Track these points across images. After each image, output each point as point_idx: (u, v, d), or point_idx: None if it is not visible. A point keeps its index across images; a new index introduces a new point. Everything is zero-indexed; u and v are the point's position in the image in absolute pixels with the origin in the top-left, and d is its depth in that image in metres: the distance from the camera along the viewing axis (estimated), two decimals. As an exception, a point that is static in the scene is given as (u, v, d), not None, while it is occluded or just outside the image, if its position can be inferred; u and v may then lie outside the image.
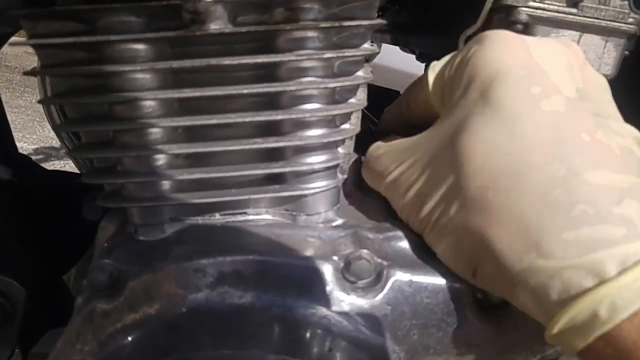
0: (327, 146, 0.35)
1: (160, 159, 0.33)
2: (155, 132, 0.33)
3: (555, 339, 0.26)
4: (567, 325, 0.25)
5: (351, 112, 0.36)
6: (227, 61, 0.30)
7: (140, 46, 0.31)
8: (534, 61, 0.30)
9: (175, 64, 0.30)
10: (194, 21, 0.28)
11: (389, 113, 0.41)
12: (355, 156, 0.42)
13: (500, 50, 0.30)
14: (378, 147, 0.35)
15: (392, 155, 0.34)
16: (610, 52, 0.42)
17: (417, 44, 0.58)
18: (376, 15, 0.37)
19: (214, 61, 0.30)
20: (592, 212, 0.25)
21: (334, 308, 0.31)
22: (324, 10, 0.31)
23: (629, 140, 0.29)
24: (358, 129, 0.36)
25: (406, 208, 0.33)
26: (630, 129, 0.30)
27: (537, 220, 0.26)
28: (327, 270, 0.32)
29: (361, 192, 0.43)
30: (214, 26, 0.29)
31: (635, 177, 0.26)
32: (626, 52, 0.44)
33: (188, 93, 0.31)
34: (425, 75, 0.34)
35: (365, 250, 0.32)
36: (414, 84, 0.36)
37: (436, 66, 0.34)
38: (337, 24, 0.30)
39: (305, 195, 0.35)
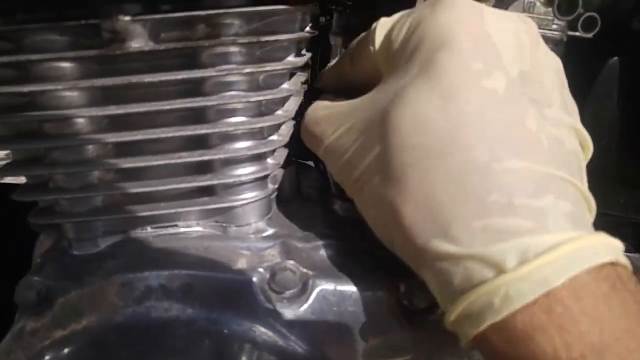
0: (256, 158, 0.35)
1: (91, 175, 0.34)
2: (85, 148, 0.33)
3: (453, 326, 0.26)
4: (463, 313, 0.25)
5: (280, 124, 0.36)
6: (148, 79, 0.30)
7: (65, 64, 0.31)
8: (484, 34, 0.28)
9: (98, 82, 0.30)
10: (113, 40, 0.29)
11: (331, 70, 0.38)
12: (292, 163, 0.43)
13: (452, 17, 0.28)
14: (317, 109, 0.34)
15: (331, 119, 0.32)
16: (538, 58, 0.43)
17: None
18: (319, 20, 0.38)
19: (134, 79, 0.30)
20: (505, 202, 0.24)
21: (260, 320, 0.32)
22: (245, 26, 0.32)
23: (563, 131, 0.28)
24: (286, 139, 0.37)
25: (340, 174, 0.32)
26: (567, 119, 0.29)
27: (450, 205, 0.25)
28: (253, 282, 0.32)
29: (299, 198, 0.44)
30: (135, 44, 0.29)
31: (556, 170, 0.26)
32: (558, 57, 0.46)
33: (113, 110, 0.31)
34: (372, 32, 0.32)
35: (291, 261, 0.33)
36: (360, 40, 0.34)
37: (385, 24, 0.31)
38: (255, 39, 0.31)
39: (234, 207, 0.35)
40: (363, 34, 0.34)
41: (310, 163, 0.50)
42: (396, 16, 0.31)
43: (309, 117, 0.34)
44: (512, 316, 0.23)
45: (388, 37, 0.31)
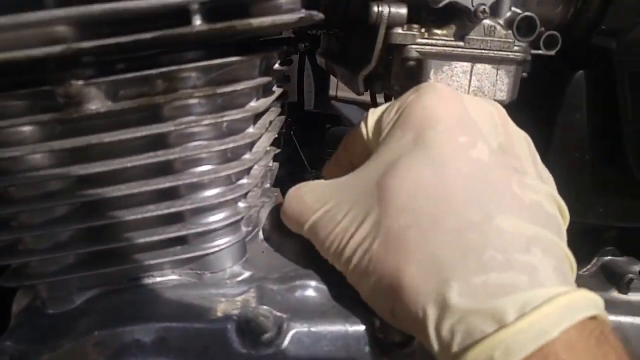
0: (226, 204, 0.35)
1: (60, 235, 0.34)
2: (53, 208, 0.33)
3: None
4: None
5: (249, 167, 0.37)
6: (107, 138, 0.31)
7: (24, 128, 0.31)
8: (464, 112, 0.32)
9: (56, 145, 0.30)
10: (69, 104, 0.29)
11: (329, 162, 0.41)
12: (271, 202, 0.43)
13: (435, 99, 0.32)
14: (300, 187, 0.35)
15: (317, 194, 0.34)
16: (502, 79, 0.44)
17: (339, 74, 0.60)
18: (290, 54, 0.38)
19: (94, 139, 0.30)
20: (501, 258, 0.26)
21: (236, 367, 0.32)
22: (203, 77, 0.32)
23: (542, 196, 0.30)
24: (257, 180, 0.37)
25: (331, 247, 0.33)
26: (544, 187, 0.31)
27: (450, 262, 0.27)
28: (228, 330, 0.32)
29: (280, 235, 0.44)
30: (91, 106, 0.30)
31: (542, 229, 0.28)
32: (524, 74, 0.46)
33: (76, 171, 0.31)
34: (364, 120, 0.36)
35: (264, 307, 0.33)
36: (353, 129, 0.37)
37: (375, 112, 0.35)
38: (211, 91, 0.31)
39: (207, 254, 0.35)
40: (355, 125, 0.37)
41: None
42: (384, 105, 0.36)
43: (292, 195, 0.36)
44: None
45: (378, 122, 0.35)
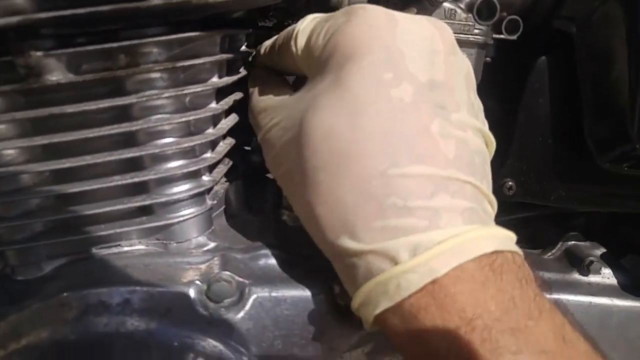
0: (190, 175, 0.37)
1: (28, 202, 0.35)
2: (19, 178, 0.34)
3: (357, 311, 0.30)
4: (365, 300, 0.28)
5: (214, 141, 0.38)
6: (70, 109, 0.32)
7: (-12, 99, 0.32)
8: (395, 43, 0.30)
9: (18, 115, 0.32)
10: (29, 75, 0.30)
11: (262, 54, 0.40)
12: (239, 180, 0.45)
13: (364, 28, 0.30)
14: (258, 99, 0.37)
15: (267, 111, 0.35)
16: (464, 62, 0.45)
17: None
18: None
19: (56, 110, 0.32)
20: (401, 204, 0.27)
21: (198, 329, 0.33)
22: (165, 52, 0.33)
23: (468, 133, 0.30)
24: (221, 156, 0.39)
25: (270, 166, 0.35)
26: (472, 121, 0.31)
27: (354, 207, 0.28)
28: (191, 293, 0.34)
29: (250, 212, 0.45)
30: (52, 77, 0.31)
31: (456, 172, 0.28)
32: (487, 59, 0.48)
33: (39, 141, 0.33)
34: (295, 37, 0.34)
35: (227, 272, 0.35)
36: (285, 39, 0.36)
37: (305, 29, 0.34)
38: (170, 65, 0.33)
39: (172, 224, 0.37)
40: (287, 30, 0.36)
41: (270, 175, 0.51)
42: (315, 21, 0.34)
43: (252, 104, 0.37)
44: (403, 301, 0.27)
45: (308, 43, 0.33)
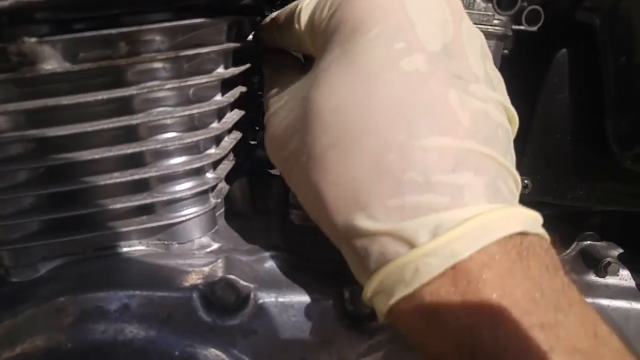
0: (193, 173, 0.35)
1: (24, 200, 0.33)
2: (15, 173, 0.32)
3: (370, 302, 0.27)
4: (379, 287, 0.25)
5: (218, 136, 0.36)
6: (65, 101, 0.30)
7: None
8: (404, 12, 0.28)
9: (11, 107, 0.30)
10: (22, 63, 0.28)
11: (262, 33, 0.39)
12: (244, 177, 0.43)
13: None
14: (268, 86, 0.35)
15: (275, 92, 0.34)
16: (482, 54, 0.43)
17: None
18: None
19: (51, 102, 0.30)
20: (420, 180, 0.25)
21: (200, 335, 0.31)
22: (168, 41, 0.31)
23: (490, 105, 0.28)
24: (226, 152, 0.37)
25: (271, 150, 0.33)
26: (492, 93, 0.29)
27: (367, 184, 0.25)
28: (193, 298, 0.32)
29: (255, 210, 0.43)
30: (47, 66, 0.29)
31: (477, 145, 0.26)
32: (505, 51, 0.46)
33: (33, 134, 0.31)
34: (298, 13, 0.32)
35: (231, 276, 0.32)
36: (287, 16, 0.34)
37: (309, 6, 0.32)
38: (173, 54, 0.30)
39: (174, 224, 0.35)
40: (289, 7, 0.34)
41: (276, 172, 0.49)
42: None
43: (264, 89, 0.35)
44: (421, 289, 0.24)
45: (311, 19, 0.31)
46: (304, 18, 0.32)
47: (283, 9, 0.35)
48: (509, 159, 0.28)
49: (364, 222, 0.25)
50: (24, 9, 0.25)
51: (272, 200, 0.45)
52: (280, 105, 0.32)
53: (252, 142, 0.50)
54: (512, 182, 0.28)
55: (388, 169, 0.25)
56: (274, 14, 0.36)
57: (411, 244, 0.24)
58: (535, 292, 0.23)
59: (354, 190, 0.26)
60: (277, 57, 0.38)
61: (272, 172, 0.50)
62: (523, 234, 0.24)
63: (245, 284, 0.33)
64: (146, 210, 0.35)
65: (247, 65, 0.39)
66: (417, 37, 0.27)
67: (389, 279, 0.25)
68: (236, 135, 0.40)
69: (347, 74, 0.27)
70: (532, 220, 0.26)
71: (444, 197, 0.24)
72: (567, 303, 0.24)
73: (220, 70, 0.34)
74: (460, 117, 0.26)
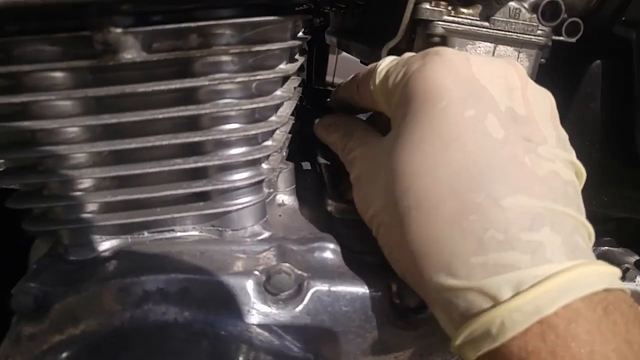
0: (250, 163, 0.36)
1: (86, 182, 0.34)
2: (79, 157, 0.33)
3: (457, 351, 0.28)
4: (466, 339, 0.27)
5: (274, 129, 0.37)
6: (141, 89, 0.31)
7: (57, 74, 0.31)
8: (473, 81, 0.30)
9: (90, 92, 0.31)
10: (105, 51, 0.29)
11: (341, 91, 0.42)
12: (290, 166, 0.44)
13: (440, 70, 0.30)
14: (348, 149, 0.38)
15: (357, 158, 0.36)
16: (523, 62, 0.44)
17: (355, 50, 0.60)
18: (313, 24, 0.39)
19: (128, 89, 0.31)
20: (502, 238, 0.26)
21: (256, 321, 0.33)
22: (237, 35, 0.32)
23: (559, 164, 0.29)
24: (280, 144, 0.38)
25: (359, 207, 0.35)
26: (561, 153, 0.30)
27: (450, 243, 0.27)
28: (249, 285, 0.33)
29: (299, 201, 0.45)
30: (127, 55, 0.30)
31: (552, 203, 0.27)
32: (542, 60, 0.47)
33: (106, 120, 0.32)
34: (374, 74, 0.35)
35: (286, 264, 0.34)
36: (365, 74, 0.37)
37: (383, 70, 0.34)
38: (247, 49, 0.31)
39: (230, 212, 0.36)
40: (369, 67, 0.37)
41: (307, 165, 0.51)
42: (393, 62, 0.34)
43: (342, 152, 0.38)
44: (508, 342, 0.25)
45: (385, 82, 0.34)
46: (378, 80, 0.34)
47: (362, 71, 0.38)
48: (581, 214, 0.30)
49: (449, 280, 0.27)
50: (116, 1, 0.26)
51: (310, 192, 0.46)
52: (365, 168, 0.34)
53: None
54: (587, 235, 0.29)
55: (469, 228, 0.27)
56: (353, 76, 0.40)
57: (495, 300, 0.25)
58: (625, 349, 0.24)
59: (438, 249, 0.27)
60: (349, 119, 0.41)
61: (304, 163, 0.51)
62: (607, 290, 0.25)
63: (300, 272, 0.34)
64: (202, 197, 0.36)
65: (301, 61, 0.40)
66: (488, 103, 0.29)
67: (476, 332, 0.26)
68: (286, 127, 0.41)
69: (424, 141, 0.29)
70: (613, 275, 0.27)
71: (525, 254, 0.26)
72: None
73: (283, 66, 0.35)
74: (536, 177, 0.28)
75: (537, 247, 0.26)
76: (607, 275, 0.26)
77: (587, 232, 0.29)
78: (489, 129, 0.29)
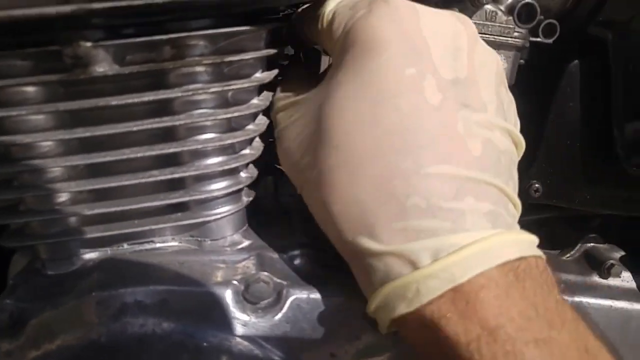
0: (228, 172, 0.36)
1: (62, 196, 0.34)
2: (54, 171, 0.33)
3: (373, 314, 0.29)
4: (381, 303, 0.27)
5: (251, 138, 0.37)
6: (114, 101, 0.31)
7: (28, 89, 0.31)
8: (418, 38, 0.28)
9: (62, 106, 0.30)
10: (76, 65, 0.29)
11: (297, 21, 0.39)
12: (269, 176, 0.44)
13: (385, 20, 0.29)
14: (279, 99, 0.36)
15: (288, 109, 0.35)
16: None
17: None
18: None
19: (101, 102, 0.31)
20: (424, 205, 0.26)
21: (235, 331, 0.33)
22: (210, 46, 0.32)
23: (495, 133, 0.29)
24: (259, 152, 0.38)
25: (284, 162, 0.34)
26: (499, 122, 0.30)
27: (373, 207, 0.27)
28: (228, 294, 0.33)
29: (278, 207, 0.45)
30: (99, 69, 0.30)
31: (480, 173, 0.27)
32: (521, 61, 0.47)
33: (80, 133, 0.32)
34: (322, 16, 0.33)
35: (265, 273, 0.34)
36: (314, 15, 0.34)
37: (330, 12, 0.32)
38: (219, 59, 0.31)
39: (208, 222, 0.36)
40: (317, 4, 0.34)
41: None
42: (339, 4, 0.32)
43: (273, 100, 0.36)
44: (422, 307, 0.26)
45: (330, 25, 0.32)
46: (326, 21, 0.32)
47: (312, 5, 0.35)
48: (511, 184, 0.30)
49: (370, 243, 0.27)
50: (85, 15, 0.26)
51: (294, 198, 0.46)
52: (293, 120, 0.33)
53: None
54: (512, 207, 0.30)
55: (393, 193, 0.27)
56: (306, 6, 0.37)
57: (414, 265, 0.26)
58: (530, 311, 0.25)
59: (361, 211, 0.28)
60: (290, 69, 0.39)
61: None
62: (521, 258, 0.26)
63: (279, 280, 0.34)
64: (181, 207, 0.36)
65: (278, 70, 0.40)
66: (429, 63, 0.28)
67: (392, 296, 0.27)
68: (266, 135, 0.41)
69: (359, 96, 0.28)
70: (528, 243, 0.28)
71: (446, 222, 0.26)
72: (560, 320, 0.26)
73: (259, 74, 0.35)
74: (467, 146, 0.28)
75: (459, 216, 0.26)
76: (523, 243, 0.27)
77: (512, 202, 0.30)
78: (426, 91, 0.28)
